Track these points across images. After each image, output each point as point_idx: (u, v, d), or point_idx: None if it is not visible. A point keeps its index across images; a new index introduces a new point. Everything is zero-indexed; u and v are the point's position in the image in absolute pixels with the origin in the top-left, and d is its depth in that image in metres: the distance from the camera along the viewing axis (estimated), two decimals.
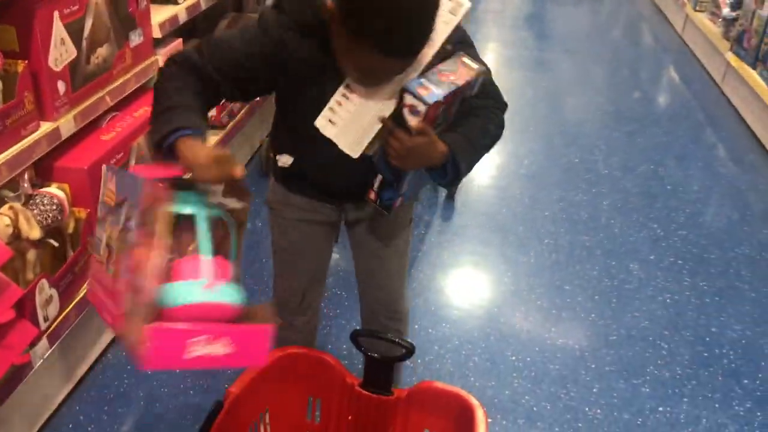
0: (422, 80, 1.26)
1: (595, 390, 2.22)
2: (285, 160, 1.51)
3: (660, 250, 2.94)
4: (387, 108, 1.30)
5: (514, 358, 2.32)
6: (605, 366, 2.32)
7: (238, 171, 1.17)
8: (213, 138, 2.87)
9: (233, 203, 1.25)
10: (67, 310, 1.92)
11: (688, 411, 2.16)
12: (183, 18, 2.61)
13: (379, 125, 1.31)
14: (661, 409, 2.17)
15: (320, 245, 1.70)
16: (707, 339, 2.46)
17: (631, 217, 3.18)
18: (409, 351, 1.48)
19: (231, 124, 2.99)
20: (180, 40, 2.65)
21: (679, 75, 5.15)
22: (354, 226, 1.65)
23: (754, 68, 4.13)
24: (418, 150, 1.29)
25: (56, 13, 1.86)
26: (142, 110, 2.31)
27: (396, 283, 1.74)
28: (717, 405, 2.19)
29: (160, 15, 2.48)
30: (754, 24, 4.19)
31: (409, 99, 1.25)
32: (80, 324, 2.01)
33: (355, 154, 1.33)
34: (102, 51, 2.11)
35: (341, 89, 1.32)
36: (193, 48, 1.36)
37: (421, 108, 1.24)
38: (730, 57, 4.47)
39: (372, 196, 1.43)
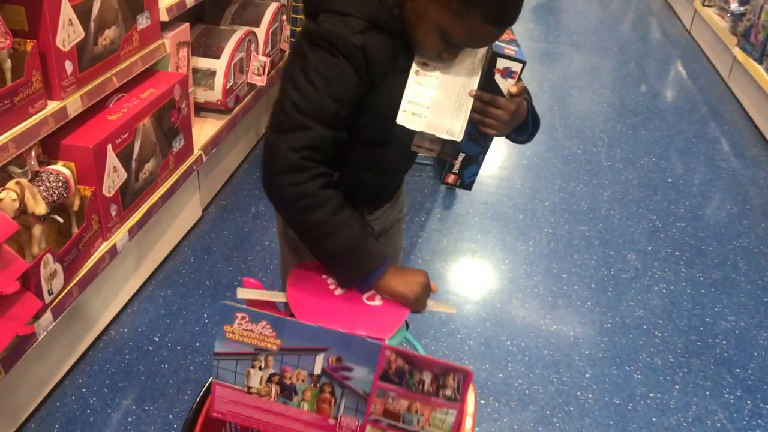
0: (497, 43, 1.24)
1: (587, 375, 2.26)
2: None
3: (658, 241, 2.97)
4: (472, 81, 1.25)
5: (508, 342, 2.36)
6: (599, 352, 2.35)
7: (435, 287, 1.33)
8: (219, 122, 2.92)
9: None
10: (71, 284, 1.97)
11: (678, 398, 2.20)
12: (191, 2, 2.64)
13: (470, 101, 1.25)
14: (651, 395, 2.20)
15: None
16: (701, 328, 2.49)
17: (631, 208, 3.21)
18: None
19: (237, 108, 3.03)
20: (187, 24, 2.68)
21: (685, 69, 5.15)
22: (380, 237, 1.60)
23: (761, 63, 4.14)
24: (517, 112, 1.28)
25: None
26: (148, 92, 2.35)
27: None
28: (707, 393, 2.23)
29: None
30: (761, 19, 4.19)
31: (500, 63, 1.22)
32: (83, 299, 2.07)
33: (459, 136, 1.26)
34: (109, 33, 2.14)
35: (413, 78, 1.25)
36: (300, 134, 1.20)
37: (517, 68, 1.23)
38: (737, 52, 4.47)
39: (451, 179, 1.39)
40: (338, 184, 1.33)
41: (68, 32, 1.94)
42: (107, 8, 2.11)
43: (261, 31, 3.23)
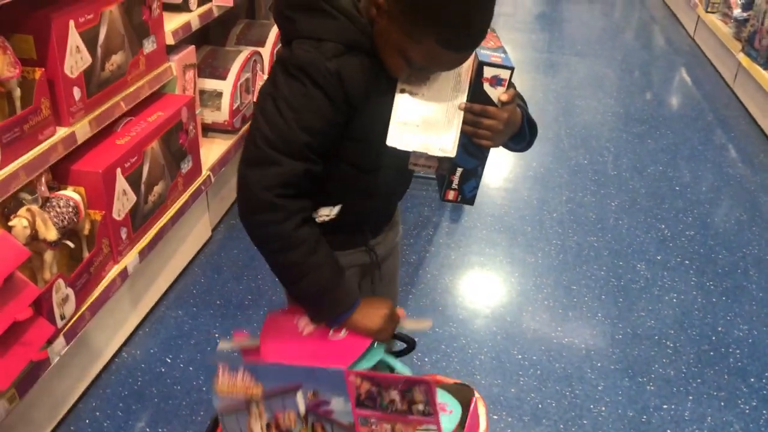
0: (482, 51, 1.21)
1: (600, 388, 2.25)
2: (326, 212, 1.33)
3: (667, 251, 2.96)
4: (460, 94, 1.22)
5: (520, 356, 2.35)
6: (611, 364, 2.34)
7: (402, 312, 1.35)
8: (226, 142, 2.94)
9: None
10: (83, 309, 1.98)
11: (692, 409, 2.19)
12: (196, 25, 2.68)
13: (460, 115, 1.22)
14: (665, 407, 2.19)
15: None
16: (713, 338, 2.48)
17: (639, 217, 3.21)
18: (410, 346, 1.52)
19: (244, 128, 3.05)
20: (193, 47, 2.71)
21: (690, 76, 5.15)
22: (384, 262, 1.56)
23: (766, 69, 4.13)
24: (510, 120, 1.24)
25: (71, 22, 1.92)
26: (156, 115, 2.38)
27: None
28: (722, 403, 2.21)
29: (173, 22, 2.54)
30: (765, 24, 4.19)
31: (488, 71, 1.19)
32: (95, 322, 2.08)
33: (453, 152, 1.22)
34: (116, 58, 2.17)
35: (400, 98, 1.22)
36: (270, 168, 1.18)
37: (505, 75, 1.19)
38: (742, 58, 4.47)
39: (451, 195, 1.34)
40: (340, 214, 1.33)
41: (76, 59, 1.96)
42: (114, 34, 2.13)
43: (266, 51, 3.25)
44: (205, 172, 2.71)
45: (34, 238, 1.79)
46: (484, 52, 1.22)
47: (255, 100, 3.13)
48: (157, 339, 2.35)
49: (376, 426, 1.22)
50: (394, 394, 1.19)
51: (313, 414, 1.26)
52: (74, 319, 1.94)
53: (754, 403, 2.22)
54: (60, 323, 1.87)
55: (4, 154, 1.74)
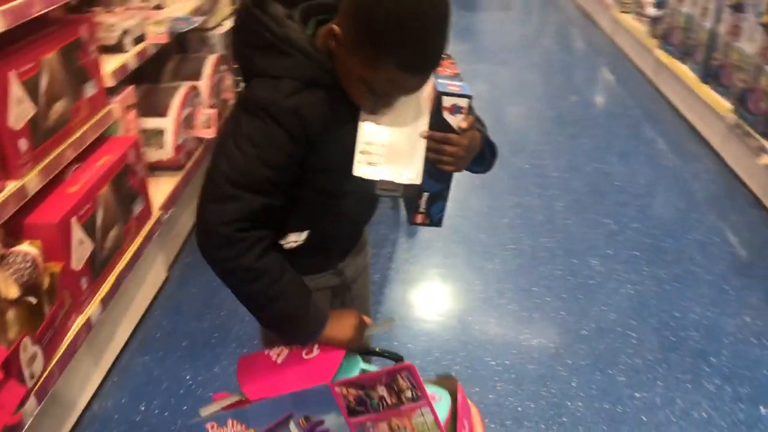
0: (440, 80, 1.25)
1: (573, 384, 2.31)
2: (294, 238, 1.36)
3: (617, 245, 3.07)
4: (421, 123, 1.26)
5: (493, 362, 2.39)
6: (580, 360, 2.41)
7: (369, 321, 1.38)
8: (173, 180, 2.89)
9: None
10: (51, 365, 1.91)
11: (663, 394, 2.27)
12: (133, 65, 2.64)
13: (423, 142, 1.25)
14: (637, 395, 2.26)
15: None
16: (672, 324, 2.58)
17: (585, 215, 3.31)
18: (399, 362, 1.53)
19: (190, 163, 3.01)
20: (132, 87, 2.67)
21: (613, 75, 5.36)
22: (353, 283, 1.58)
23: (683, 62, 4.35)
24: (470, 146, 1.28)
25: (12, 73, 1.87)
26: (104, 159, 2.33)
27: None
28: (689, 385, 2.30)
29: (110, 64, 2.50)
30: (678, 21, 4.41)
31: (447, 101, 1.23)
32: (64, 378, 2.01)
33: (418, 180, 1.25)
34: (59, 105, 2.12)
35: (364, 129, 1.24)
36: (232, 203, 1.19)
37: (464, 103, 1.23)
38: (660, 54, 4.68)
39: (419, 219, 1.38)
40: (309, 239, 1.36)
41: (19, 110, 1.91)
42: (55, 81, 2.09)
43: (203, 84, 3.23)
44: (156, 212, 2.66)
45: None
46: (442, 81, 1.26)
47: (200, 135, 3.11)
48: (126, 388, 2.29)
49: (373, 429, 1.23)
50: (381, 390, 1.20)
51: None
52: (43, 377, 1.87)
53: (718, 382, 2.32)
54: (30, 383, 1.80)
55: None
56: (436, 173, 1.29)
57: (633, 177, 3.68)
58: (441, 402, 1.36)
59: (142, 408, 2.21)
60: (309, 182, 1.28)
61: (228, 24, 3.73)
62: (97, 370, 2.28)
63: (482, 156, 1.34)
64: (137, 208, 2.50)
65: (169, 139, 2.87)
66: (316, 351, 1.34)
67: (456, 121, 1.24)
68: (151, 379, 2.33)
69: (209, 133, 3.15)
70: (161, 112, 2.93)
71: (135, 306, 2.55)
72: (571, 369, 2.37)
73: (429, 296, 2.76)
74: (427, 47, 1.16)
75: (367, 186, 1.32)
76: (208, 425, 1.29)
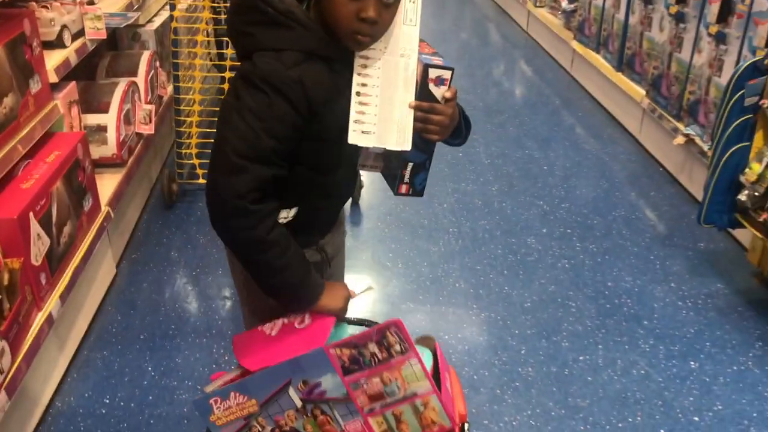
0: (423, 57, 1.35)
1: (522, 352, 2.45)
2: (284, 215, 1.42)
3: (550, 224, 3.25)
4: (409, 95, 1.34)
5: (447, 336, 2.51)
6: (527, 330, 2.56)
7: (353, 292, 1.50)
8: (117, 176, 2.87)
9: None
10: (18, 361, 1.90)
11: (604, 356, 2.44)
12: (74, 60, 2.62)
13: (410, 113, 1.33)
14: (581, 358, 2.43)
15: None
16: (606, 293, 2.77)
17: (519, 198, 3.48)
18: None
19: (131, 159, 3.00)
20: (74, 83, 2.65)
21: (531, 67, 5.59)
22: (332, 260, 1.65)
23: (598, 52, 4.61)
24: (453, 115, 1.37)
25: None
26: (54, 155, 2.31)
27: None
28: (626, 346, 2.49)
29: (51, 59, 2.48)
30: (591, 13, 4.67)
31: (432, 72, 1.32)
32: (29, 374, 2.00)
33: (408, 146, 1.34)
34: (8, 101, 2.10)
35: (355, 99, 1.33)
36: (239, 174, 1.26)
37: (447, 75, 1.33)
38: (575, 45, 4.94)
39: (404, 189, 1.47)
40: (296, 216, 1.43)
41: None
42: (2, 76, 2.07)
43: (140, 80, 3.22)
44: (104, 208, 2.65)
45: None
46: (425, 57, 1.36)
47: (139, 131, 3.09)
48: (88, 383, 2.28)
49: (366, 384, 1.32)
50: (372, 347, 1.30)
51: (309, 401, 1.35)
52: (12, 372, 1.86)
53: (651, 342, 2.52)
54: (0, 378, 1.79)
55: None
56: (420, 144, 1.39)
57: (558, 161, 3.89)
58: (424, 357, 1.47)
59: (107, 401, 2.21)
60: (302, 156, 1.35)
61: (159, 20, 3.72)
62: (58, 365, 2.27)
63: (459, 128, 1.45)
64: (87, 204, 2.48)
65: (112, 135, 2.85)
66: (307, 320, 1.42)
67: (440, 92, 1.35)
68: (112, 372, 2.33)
69: (148, 129, 3.15)
70: (101, 108, 2.91)
71: (89, 302, 2.53)
72: (519, 338, 2.52)
73: (381, 280, 2.85)
74: None
75: (352, 160, 1.42)
76: (212, 401, 1.35)
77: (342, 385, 1.32)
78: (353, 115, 1.33)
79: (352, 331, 1.46)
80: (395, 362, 1.31)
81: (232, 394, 1.36)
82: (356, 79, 1.34)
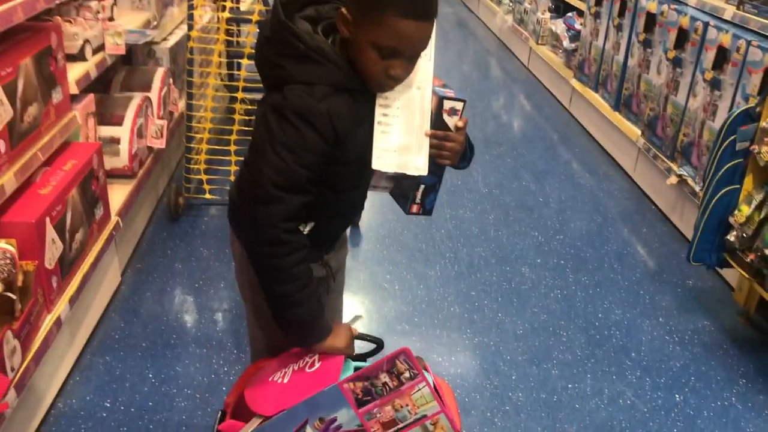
0: (437, 89, 1.47)
1: (513, 377, 2.53)
2: (301, 229, 1.50)
3: (544, 254, 3.34)
4: (425, 124, 1.46)
5: (440, 359, 2.59)
6: (518, 356, 2.63)
7: (355, 331, 1.58)
8: (126, 187, 2.95)
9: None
10: (27, 360, 1.97)
11: (592, 384, 2.52)
12: (94, 74, 2.72)
13: (427, 140, 1.45)
14: (570, 386, 2.51)
15: None
16: (596, 324, 2.86)
17: (514, 228, 3.58)
18: (379, 346, 1.70)
19: (141, 172, 3.08)
20: (92, 95, 2.74)
21: (530, 102, 5.73)
22: (336, 275, 1.75)
23: (596, 91, 4.74)
24: (463, 142, 1.50)
25: None
26: (70, 163, 2.39)
27: None
28: (614, 377, 2.57)
29: (72, 72, 2.57)
30: (592, 53, 4.81)
31: (446, 104, 1.44)
32: (36, 373, 2.06)
33: (425, 171, 1.46)
34: (32, 110, 2.19)
35: (377, 128, 1.44)
36: (275, 203, 1.36)
37: (459, 106, 1.46)
38: (575, 83, 5.08)
39: (414, 209, 1.59)
40: (311, 233, 1.51)
41: (0, 112, 1.98)
42: (29, 86, 2.16)
43: (154, 96, 3.31)
44: (114, 218, 2.72)
45: None
46: (439, 89, 1.49)
47: (151, 145, 3.18)
48: (90, 386, 2.34)
49: (379, 413, 1.39)
50: (384, 377, 1.38)
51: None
52: (21, 370, 1.92)
53: (638, 373, 2.59)
54: (11, 375, 1.85)
55: None
56: (432, 167, 1.50)
57: (554, 194, 3.99)
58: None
59: (108, 404, 2.27)
60: (326, 177, 1.44)
61: (173, 39, 3.82)
62: (62, 367, 2.33)
63: (465, 153, 1.57)
64: (99, 213, 2.56)
65: (125, 148, 2.94)
66: (317, 363, 1.49)
67: (453, 121, 1.47)
68: (114, 377, 2.39)
69: (159, 143, 3.23)
70: (115, 121, 3.00)
71: (94, 308, 2.60)
72: (510, 364, 2.59)
73: (378, 300, 2.93)
74: None
75: (366, 182, 1.53)
76: None
77: (356, 417, 1.39)
78: (376, 143, 1.44)
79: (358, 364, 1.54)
80: (405, 388, 1.39)
81: None
82: (378, 110, 1.45)
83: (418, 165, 1.46)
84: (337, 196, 1.52)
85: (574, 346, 2.71)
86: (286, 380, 1.51)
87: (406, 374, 1.38)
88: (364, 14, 1.33)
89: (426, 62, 1.48)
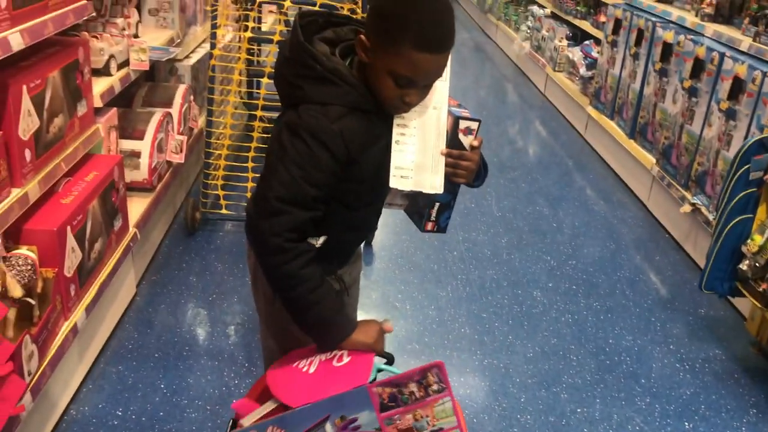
0: (453, 109, 1.51)
1: (522, 400, 2.53)
2: (313, 242, 1.52)
3: (556, 279, 3.35)
4: (441, 143, 1.49)
5: (450, 379, 2.59)
6: (527, 379, 2.64)
7: (390, 327, 1.59)
8: (145, 200, 3.00)
9: None
10: (43, 365, 2.00)
11: (601, 410, 2.52)
12: (118, 88, 2.78)
13: (442, 159, 1.48)
14: (579, 410, 2.50)
15: None
16: (607, 349, 2.86)
17: (527, 252, 3.59)
18: (390, 361, 1.72)
19: (160, 185, 3.13)
20: (115, 109, 2.81)
21: (546, 128, 5.76)
22: (349, 289, 1.78)
23: (612, 119, 4.77)
24: (478, 161, 1.54)
25: (25, 87, 2.00)
26: (92, 175, 2.45)
27: None
28: (623, 402, 2.56)
29: (98, 86, 2.63)
30: (608, 81, 4.84)
31: (462, 124, 1.48)
32: (52, 379, 2.09)
33: (441, 189, 1.49)
34: (58, 121, 2.24)
35: (395, 148, 1.47)
36: (283, 215, 1.40)
37: (474, 126, 1.49)
38: (591, 110, 5.11)
39: (429, 226, 1.62)
40: (323, 247, 1.54)
41: (28, 122, 2.03)
42: (56, 97, 2.22)
43: (175, 112, 3.37)
44: (132, 230, 2.77)
45: (2, 295, 1.83)
46: (454, 109, 1.53)
47: (170, 159, 3.24)
48: (102, 394, 2.37)
49: (400, 420, 1.41)
50: (412, 386, 1.39)
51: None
52: (37, 375, 1.96)
53: (648, 400, 2.59)
54: (27, 379, 1.89)
55: None
56: (447, 185, 1.53)
57: (567, 219, 4.00)
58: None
59: (119, 413, 2.30)
60: (340, 194, 1.48)
61: (195, 57, 3.90)
62: (76, 374, 2.36)
63: (479, 172, 1.60)
64: (117, 224, 2.61)
65: (145, 161, 3.00)
66: (346, 358, 1.51)
67: (468, 141, 1.51)
68: (126, 386, 2.42)
69: (179, 158, 3.29)
70: (136, 135, 3.06)
71: (109, 317, 2.63)
72: (520, 386, 2.60)
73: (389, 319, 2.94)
74: (435, 24, 1.37)
75: (381, 199, 1.56)
76: None
77: (376, 420, 1.41)
78: (393, 162, 1.48)
79: (384, 366, 1.55)
80: (429, 400, 1.41)
81: (270, 428, 1.43)
82: (395, 129, 1.48)
83: (434, 184, 1.49)
84: (350, 212, 1.55)
85: (584, 371, 2.71)
86: (312, 370, 1.50)
87: (434, 387, 1.40)
88: (382, 43, 1.37)
89: (442, 83, 1.51)
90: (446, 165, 1.50)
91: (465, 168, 1.52)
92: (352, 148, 1.42)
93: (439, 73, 1.44)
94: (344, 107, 1.41)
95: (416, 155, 1.49)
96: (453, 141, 1.50)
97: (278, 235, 1.40)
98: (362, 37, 1.40)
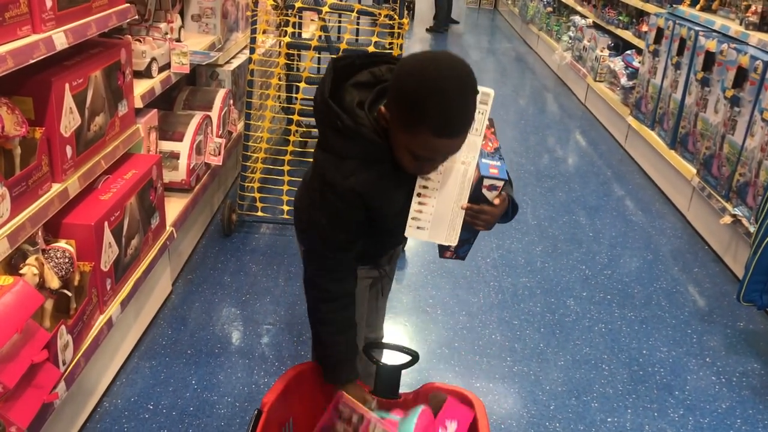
0: (483, 160, 1.51)
1: (552, 408, 2.50)
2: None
3: (591, 288, 3.31)
4: (463, 197, 1.53)
5: (478, 384, 2.58)
6: (558, 387, 2.61)
7: (371, 400, 1.72)
8: (183, 200, 3.07)
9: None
10: (78, 356, 2.05)
11: (632, 420, 2.47)
12: (158, 90, 2.84)
13: (462, 212, 1.53)
14: (609, 420, 2.47)
15: (364, 294, 1.91)
16: (640, 360, 2.81)
17: (562, 260, 3.56)
18: (415, 358, 1.73)
19: (198, 186, 3.19)
20: (155, 110, 2.87)
21: (585, 138, 5.70)
22: (384, 278, 1.96)
23: (653, 129, 4.70)
24: (499, 215, 1.57)
25: (67, 86, 2.07)
26: (131, 173, 2.51)
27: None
28: (656, 414, 2.52)
29: (138, 87, 2.70)
30: (649, 91, 4.78)
31: (487, 181, 1.50)
32: (85, 370, 2.14)
33: (454, 242, 1.56)
34: (99, 119, 2.31)
35: (416, 199, 1.53)
36: (325, 270, 1.62)
37: (499, 184, 1.51)
38: (631, 120, 5.04)
39: (448, 255, 1.68)
40: (365, 249, 1.66)
41: (69, 119, 2.10)
42: (97, 97, 2.28)
43: (214, 114, 3.44)
44: (168, 228, 2.83)
45: (41, 286, 1.88)
46: (485, 161, 1.53)
47: (208, 161, 3.29)
48: (135, 388, 2.42)
49: None
50: (340, 426, 1.62)
51: None
52: (72, 365, 2.01)
53: (681, 412, 2.54)
54: (62, 368, 1.94)
55: (13, 207, 1.84)
56: (468, 226, 1.57)
57: (605, 230, 3.96)
58: (407, 417, 1.62)
59: (150, 407, 2.34)
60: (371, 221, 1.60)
61: (236, 62, 3.97)
62: (110, 367, 2.41)
63: (506, 213, 1.62)
64: (154, 222, 2.67)
65: (183, 163, 3.06)
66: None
67: (492, 195, 1.53)
68: (158, 381, 2.46)
69: (217, 161, 3.35)
70: (175, 137, 3.13)
71: (144, 313, 2.69)
72: (549, 394, 2.57)
73: (420, 323, 2.95)
74: (452, 114, 1.38)
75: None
76: None
77: None
78: (412, 213, 1.54)
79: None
80: (363, 429, 1.49)
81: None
82: (419, 182, 1.52)
83: (449, 237, 1.56)
84: (380, 233, 1.68)
85: (615, 381, 2.67)
86: None
87: (354, 418, 1.53)
88: (401, 122, 1.41)
89: (475, 137, 1.51)
90: (467, 215, 1.54)
91: (484, 221, 1.56)
92: (367, 200, 1.50)
93: (456, 150, 1.47)
94: (360, 160, 1.47)
95: (436, 208, 1.53)
96: (476, 194, 1.53)
97: (320, 276, 1.63)
98: (383, 110, 1.45)
